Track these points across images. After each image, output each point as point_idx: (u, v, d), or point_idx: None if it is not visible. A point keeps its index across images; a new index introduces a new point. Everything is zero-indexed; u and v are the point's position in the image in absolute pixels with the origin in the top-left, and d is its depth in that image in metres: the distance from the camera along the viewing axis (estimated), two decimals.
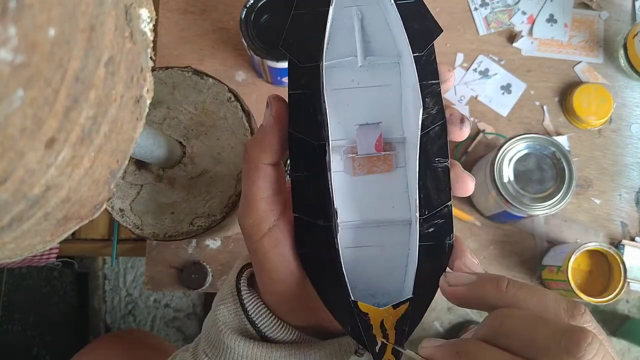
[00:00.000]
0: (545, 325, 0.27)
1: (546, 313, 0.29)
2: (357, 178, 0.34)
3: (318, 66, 0.33)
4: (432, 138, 0.33)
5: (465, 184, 0.34)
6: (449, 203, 0.33)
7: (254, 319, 0.38)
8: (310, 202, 0.33)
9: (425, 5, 0.34)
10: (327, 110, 0.32)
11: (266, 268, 0.36)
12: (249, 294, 0.39)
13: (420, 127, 0.31)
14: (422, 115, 0.31)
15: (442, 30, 0.33)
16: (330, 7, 0.32)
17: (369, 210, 0.34)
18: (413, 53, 0.32)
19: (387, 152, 0.34)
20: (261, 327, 0.38)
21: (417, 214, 0.32)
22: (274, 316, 0.38)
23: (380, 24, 0.34)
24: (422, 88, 0.32)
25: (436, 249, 0.33)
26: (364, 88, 0.35)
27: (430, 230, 0.33)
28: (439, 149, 0.33)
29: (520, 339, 0.27)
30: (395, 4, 0.33)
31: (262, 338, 0.38)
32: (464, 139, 0.34)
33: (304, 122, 0.33)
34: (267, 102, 0.34)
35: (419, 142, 0.31)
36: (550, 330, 0.27)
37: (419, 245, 0.32)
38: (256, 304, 0.38)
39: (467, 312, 1.54)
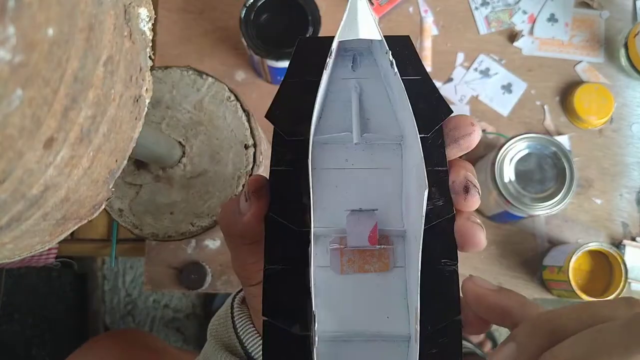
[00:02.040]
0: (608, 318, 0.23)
1: (597, 315, 0.24)
2: (345, 277, 0.28)
3: (307, 141, 0.28)
4: (437, 234, 0.27)
5: (473, 238, 0.28)
6: (457, 318, 0.27)
7: (242, 337, 0.38)
8: (285, 304, 0.27)
9: (433, 83, 0.29)
10: (313, 192, 0.27)
11: (256, 308, 0.37)
12: (240, 313, 0.39)
13: (424, 212, 0.25)
14: (427, 204, 0.26)
15: (451, 112, 0.28)
16: (324, 73, 0.28)
17: (357, 319, 0.28)
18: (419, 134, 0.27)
19: (383, 247, 0.28)
20: (248, 347, 0.38)
21: (418, 329, 0.25)
22: (260, 337, 0.38)
23: (382, 101, 0.30)
24: (428, 175, 0.26)
25: None
26: (359, 170, 0.30)
27: (433, 351, 0.26)
28: (446, 248, 0.27)
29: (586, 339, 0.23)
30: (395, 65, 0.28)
31: (250, 359, 0.38)
32: (471, 209, 0.28)
33: (286, 204, 0.28)
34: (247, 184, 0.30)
35: (422, 235, 0.25)
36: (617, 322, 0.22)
37: None
38: (245, 323, 0.39)
39: None
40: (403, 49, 0.30)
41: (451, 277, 0.27)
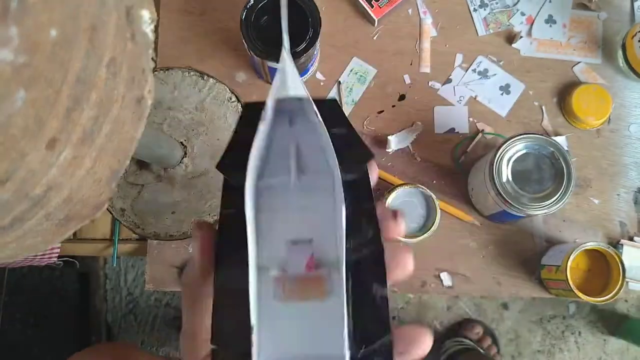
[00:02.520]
0: None
1: None
2: (286, 305, 0.31)
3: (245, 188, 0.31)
4: (369, 264, 0.30)
5: (403, 262, 0.31)
6: (388, 338, 0.30)
7: None
8: (231, 333, 0.30)
9: (357, 134, 0.33)
10: (254, 230, 0.30)
11: None
12: None
13: (344, 251, 0.29)
14: (358, 239, 0.30)
15: (373, 155, 0.32)
16: (261, 124, 0.31)
17: (298, 344, 0.30)
18: (346, 178, 0.31)
19: (318, 273, 0.31)
20: None
21: (348, 351, 0.28)
22: None
23: (314, 143, 0.33)
24: (356, 211, 0.30)
25: None
26: (296, 207, 0.33)
27: None
28: (377, 275, 0.30)
29: None
30: (329, 131, 0.32)
31: None
32: (402, 234, 0.32)
33: (232, 241, 0.31)
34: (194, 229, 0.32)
35: (344, 269, 0.29)
36: None
37: None
38: None
39: (466, 312, 1.55)
40: (331, 110, 0.33)
41: (382, 302, 0.30)
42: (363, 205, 0.32)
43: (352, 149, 0.33)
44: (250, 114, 0.34)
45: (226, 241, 0.32)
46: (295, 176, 0.33)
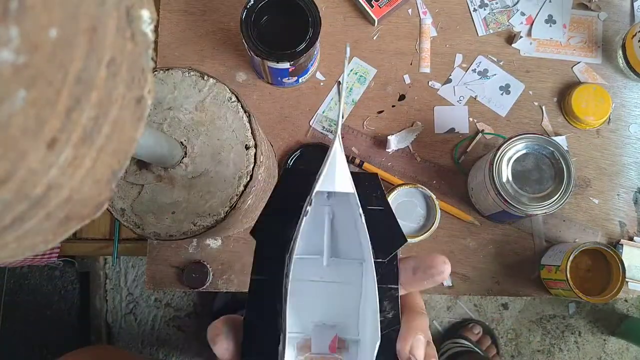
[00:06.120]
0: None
1: None
2: None
3: (284, 256, 0.34)
4: (386, 342, 0.32)
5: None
6: None
7: None
8: None
9: (393, 214, 0.35)
10: (287, 301, 0.32)
11: None
12: None
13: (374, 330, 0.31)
14: (380, 315, 0.32)
15: (406, 240, 0.35)
16: (304, 218, 0.32)
17: None
18: (377, 258, 0.34)
19: (338, 357, 0.34)
20: None
21: None
22: None
23: (350, 226, 0.35)
24: (382, 291, 0.33)
25: None
26: (326, 283, 0.35)
27: None
28: (390, 353, 0.33)
29: None
30: (366, 208, 0.34)
31: None
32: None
33: (262, 309, 0.33)
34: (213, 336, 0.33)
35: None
36: None
37: None
38: None
39: (466, 311, 1.55)
40: (372, 183, 0.36)
41: None
42: (388, 288, 0.34)
43: (386, 228, 0.35)
44: (290, 178, 0.36)
45: (255, 307, 0.33)
46: (327, 256, 0.35)
